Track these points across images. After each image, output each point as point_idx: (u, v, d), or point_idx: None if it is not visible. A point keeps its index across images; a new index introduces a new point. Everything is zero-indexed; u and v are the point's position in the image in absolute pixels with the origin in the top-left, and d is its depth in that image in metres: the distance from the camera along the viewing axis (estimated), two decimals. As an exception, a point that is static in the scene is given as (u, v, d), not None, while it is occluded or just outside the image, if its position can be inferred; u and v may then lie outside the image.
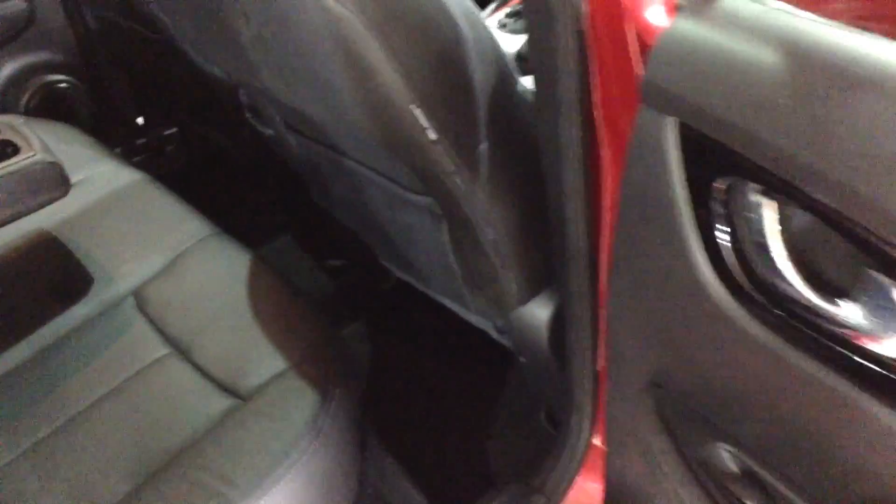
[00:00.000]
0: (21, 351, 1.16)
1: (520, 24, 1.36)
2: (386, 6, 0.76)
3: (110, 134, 1.97)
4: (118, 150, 1.95)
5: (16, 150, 1.16)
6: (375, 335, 1.58)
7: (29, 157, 1.14)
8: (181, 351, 1.12)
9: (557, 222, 0.89)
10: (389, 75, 0.78)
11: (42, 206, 1.16)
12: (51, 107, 1.87)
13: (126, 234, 1.33)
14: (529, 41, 0.79)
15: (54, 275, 1.27)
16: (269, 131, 1.38)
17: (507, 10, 1.39)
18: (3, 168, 1.12)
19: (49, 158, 1.16)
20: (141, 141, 2.03)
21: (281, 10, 0.80)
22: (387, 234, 1.23)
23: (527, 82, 0.92)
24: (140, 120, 2.02)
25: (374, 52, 0.77)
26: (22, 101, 1.83)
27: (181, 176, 1.99)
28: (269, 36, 0.85)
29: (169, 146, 2.04)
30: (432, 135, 0.84)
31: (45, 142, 1.21)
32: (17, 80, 1.81)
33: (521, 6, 1.41)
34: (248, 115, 1.50)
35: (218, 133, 1.80)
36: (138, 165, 1.61)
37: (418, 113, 0.82)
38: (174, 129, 2.04)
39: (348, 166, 1.13)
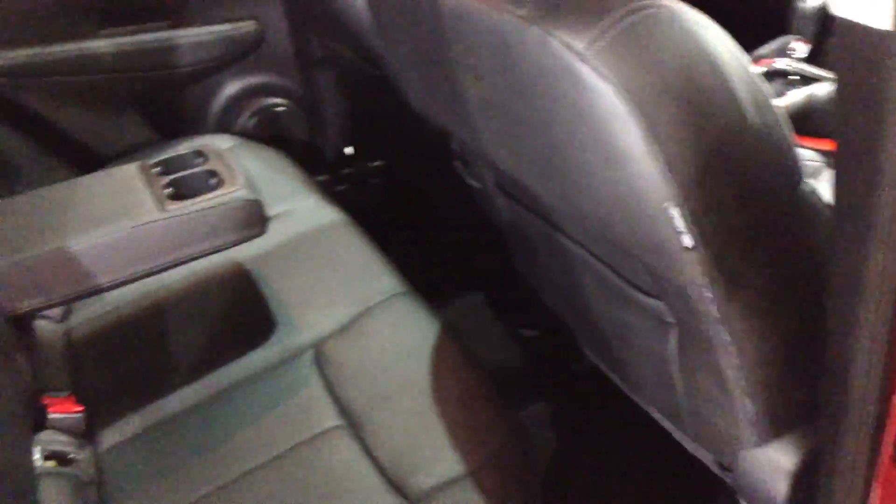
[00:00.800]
0: (196, 391, 1.11)
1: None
2: (655, 80, 0.60)
3: (318, 160, 1.96)
4: (323, 177, 1.94)
5: (220, 183, 1.12)
6: (560, 423, 1.40)
7: (231, 192, 1.09)
8: (353, 424, 1.01)
9: (837, 365, 0.68)
10: (646, 165, 0.62)
11: (238, 243, 1.11)
12: (265, 128, 1.88)
13: (316, 279, 1.26)
14: (840, 144, 0.59)
15: (240, 313, 1.22)
16: (477, 185, 1.26)
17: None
18: (204, 201, 1.08)
19: (251, 196, 1.10)
20: (347, 171, 2.00)
21: (520, 75, 0.66)
22: (595, 326, 1.06)
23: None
24: (349, 150, 1.99)
25: (632, 136, 0.61)
26: (238, 120, 1.85)
27: (381, 209, 1.94)
28: (500, 100, 0.71)
29: (373, 179, 2.00)
30: (688, 241, 0.66)
31: (250, 174, 1.16)
32: (238, 100, 1.83)
33: (774, 67, 1.20)
34: (456, 163, 1.39)
35: (423, 175, 1.72)
36: (340, 195, 1.56)
37: (675, 213, 0.64)
38: (380, 163, 1.99)
39: (563, 245, 0.98)
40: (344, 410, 1.04)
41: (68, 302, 1.18)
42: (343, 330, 1.16)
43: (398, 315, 1.18)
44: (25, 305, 1.01)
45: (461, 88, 0.78)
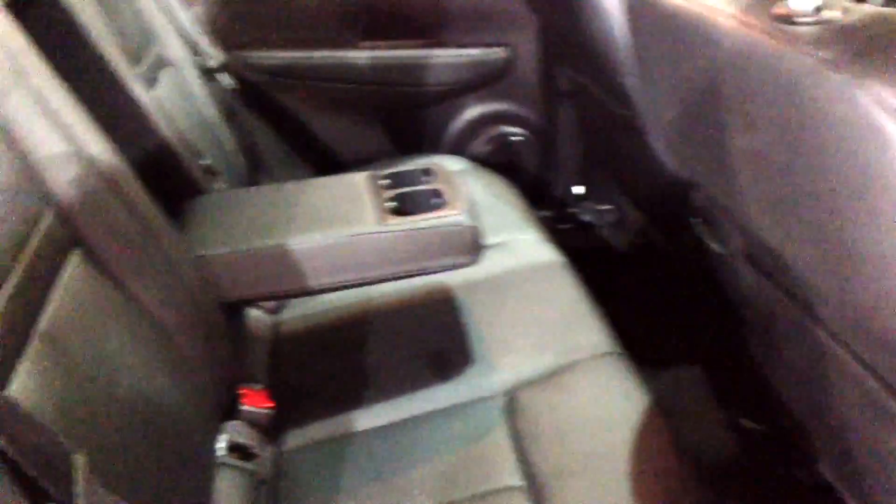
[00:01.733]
0: (383, 412, 1.08)
1: None
2: None
3: (546, 194, 1.90)
4: (548, 212, 1.87)
5: (442, 204, 1.08)
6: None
7: (451, 215, 1.05)
8: (534, 489, 0.91)
9: None
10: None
11: (450, 268, 1.06)
12: (498, 155, 1.86)
13: (521, 320, 1.18)
14: None
15: (438, 340, 1.17)
16: (718, 249, 1.12)
17: None
18: (424, 220, 1.04)
19: (470, 222, 1.05)
20: (573, 210, 1.91)
21: (809, 130, 0.53)
22: (843, 441, 0.88)
23: None
24: (579, 189, 1.91)
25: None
26: (473, 144, 1.83)
27: (602, 256, 1.83)
28: (775, 156, 0.59)
29: (600, 223, 1.89)
30: None
31: (474, 200, 1.12)
32: (476, 124, 1.82)
33: None
34: (695, 220, 1.26)
35: (654, 227, 1.59)
36: (564, 233, 1.48)
37: None
38: (609, 207, 1.88)
39: (819, 339, 0.81)
40: (527, 471, 0.94)
41: (279, 298, 1.20)
42: (541, 380, 1.07)
43: (605, 377, 1.06)
44: (239, 294, 1.03)
45: (726, 138, 0.66)
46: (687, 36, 0.70)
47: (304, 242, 1.01)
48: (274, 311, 1.30)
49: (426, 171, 1.16)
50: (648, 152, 1.26)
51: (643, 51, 0.90)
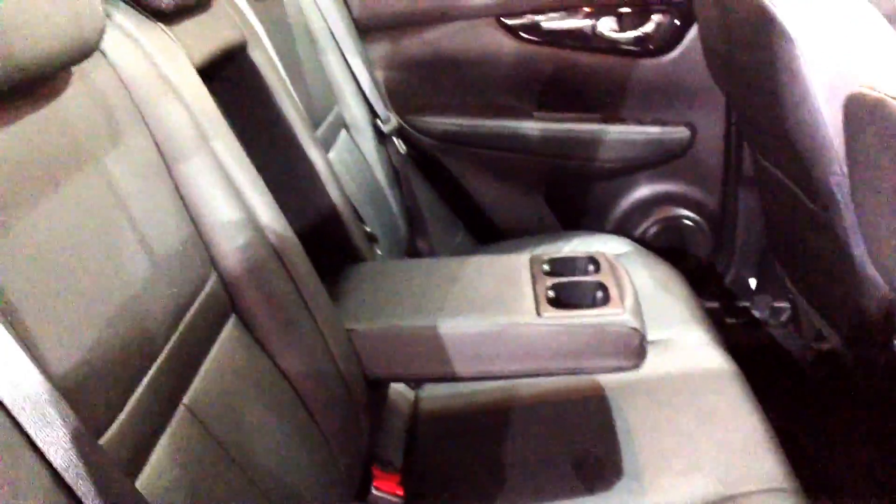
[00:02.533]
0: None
1: None
2: None
3: (713, 284, 1.76)
4: (714, 304, 1.73)
5: (606, 299, 1.00)
6: None
7: (615, 315, 0.96)
8: None
9: None
10: None
11: (606, 371, 0.98)
12: (665, 238, 1.75)
13: (681, 435, 1.07)
14: None
15: (585, 445, 1.08)
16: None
17: None
18: (584, 316, 0.97)
19: (634, 324, 0.96)
20: (745, 304, 1.76)
21: None
22: None
23: None
24: (752, 281, 1.76)
25: None
26: (640, 226, 1.74)
27: (772, 359, 1.67)
28: None
29: (773, 321, 1.73)
30: None
31: (639, 294, 1.03)
32: (646, 205, 1.73)
33: None
34: (897, 343, 1.10)
35: (844, 338, 1.41)
36: (731, 329, 1.35)
37: None
38: (785, 305, 1.71)
39: None
40: None
41: (423, 380, 1.16)
42: (701, 510, 0.95)
43: (774, 516, 0.93)
44: (385, 372, 1.00)
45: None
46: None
47: (455, 327, 0.97)
48: (415, 386, 1.26)
49: (591, 260, 1.09)
50: (847, 259, 1.12)
51: (860, 153, 0.79)
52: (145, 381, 0.64)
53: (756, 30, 1.08)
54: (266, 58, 1.09)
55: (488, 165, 1.69)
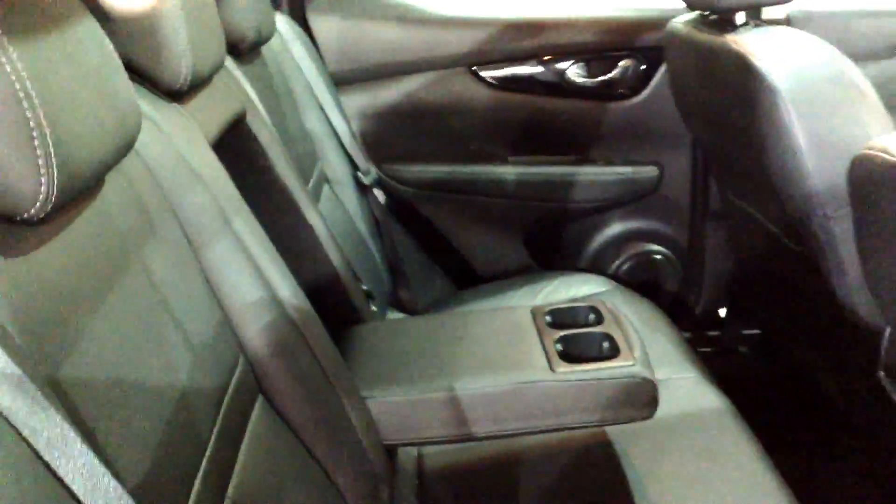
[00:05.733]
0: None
1: None
2: None
3: (685, 315, 1.81)
4: (688, 334, 1.78)
5: (614, 349, 1.03)
6: None
7: (628, 367, 0.99)
8: None
9: None
10: None
11: (621, 422, 0.99)
12: (638, 273, 1.79)
13: (689, 477, 1.09)
14: None
15: (594, 495, 1.09)
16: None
17: None
18: (598, 370, 0.98)
19: (646, 374, 0.98)
20: (714, 333, 1.82)
21: None
22: None
23: None
24: (722, 311, 1.82)
25: None
26: (614, 262, 1.78)
27: (755, 395, 1.72)
28: None
29: (744, 348, 1.79)
30: None
31: (644, 345, 1.05)
32: (618, 242, 1.77)
33: None
34: (881, 374, 1.15)
35: (818, 367, 1.47)
36: (704, 357, 1.39)
37: None
38: (756, 332, 1.78)
39: None
40: None
41: (440, 444, 1.16)
42: (716, 553, 0.98)
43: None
44: (400, 438, 0.99)
45: None
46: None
47: (470, 388, 0.97)
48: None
49: (593, 310, 1.11)
50: (829, 295, 1.17)
51: (866, 202, 0.84)
52: (199, 475, 0.63)
53: (738, 80, 1.13)
54: (262, 123, 1.08)
55: (466, 211, 1.71)
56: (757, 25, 1.23)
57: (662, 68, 1.60)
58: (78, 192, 0.54)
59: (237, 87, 1.04)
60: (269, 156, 1.05)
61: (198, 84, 0.87)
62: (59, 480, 0.43)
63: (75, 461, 0.44)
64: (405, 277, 1.59)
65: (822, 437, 1.47)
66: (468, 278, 1.73)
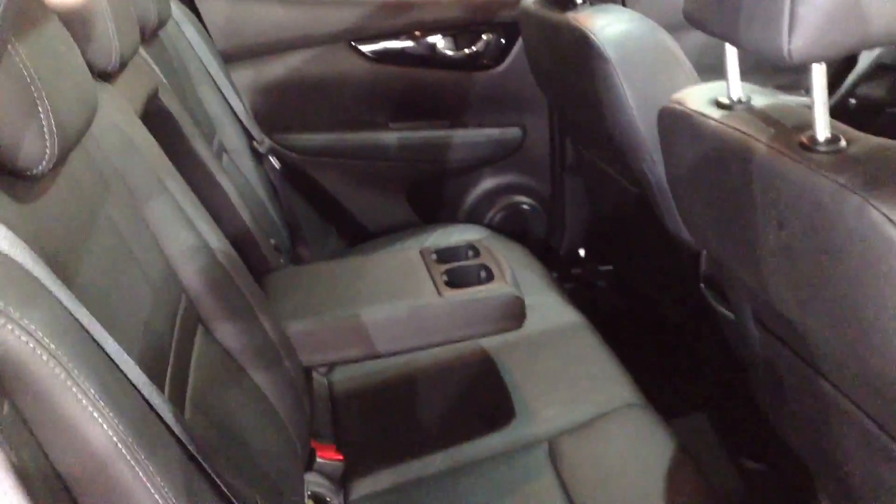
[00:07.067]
0: (440, 460, 1.21)
1: None
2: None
3: (552, 257, 2.07)
4: (555, 273, 2.04)
5: (490, 277, 1.24)
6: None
7: (502, 289, 1.21)
8: (586, 527, 1.06)
9: None
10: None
11: (498, 332, 1.22)
12: (510, 222, 2.03)
13: (555, 377, 1.33)
14: None
15: (482, 396, 1.32)
16: (726, 313, 1.29)
17: None
18: (478, 292, 1.20)
19: (517, 293, 1.21)
20: (576, 270, 2.09)
21: (831, 234, 0.71)
22: (844, 476, 1.04)
23: None
24: (581, 251, 2.09)
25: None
26: (488, 213, 2.01)
27: (608, 312, 2.00)
28: (801, 250, 0.76)
29: (601, 282, 2.07)
30: None
31: (514, 272, 1.28)
32: (491, 195, 2.00)
33: None
34: (703, 286, 1.43)
35: (656, 288, 1.76)
36: (569, 293, 1.64)
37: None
38: (610, 268, 2.06)
39: (824, 390, 0.98)
40: (575, 509, 1.08)
41: (350, 362, 1.34)
42: (579, 429, 1.22)
43: (633, 424, 1.21)
44: (318, 359, 1.18)
45: (756, 236, 0.84)
46: (721, 149, 0.88)
47: (374, 314, 1.17)
48: (326, 373, 1.43)
49: (471, 248, 1.33)
50: (661, 227, 1.43)
51: (671, 147, 1.08)
52: (166, 386, 0.79)
53: (577, 51, 1.36)
54: (172, 99, 1.22)
55: (353, 174, 1.89)
56: (593, 4, 1.46)
57: (519, 41, 1.83)
58: (67, 152, 0.69)
59: (149, 68, 1.17)
60: (182, 128, 1.19)
61: (122, 66, 1.00)
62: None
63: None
64: (303, 237, 1.75)
65: (659, 342, 1.76)
66: (360, 235, 1.91)
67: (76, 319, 0.59)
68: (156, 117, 1.14)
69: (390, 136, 1.87)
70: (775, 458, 1.43)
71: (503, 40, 1.84)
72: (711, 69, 1.16)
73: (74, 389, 0.52)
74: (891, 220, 0.64)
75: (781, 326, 1.05)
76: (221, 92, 1.59)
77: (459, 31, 1.83)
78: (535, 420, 1.25)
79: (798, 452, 1.20)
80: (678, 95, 1.03)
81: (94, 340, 0.59)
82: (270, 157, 1.68)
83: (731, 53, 0.91)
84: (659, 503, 1.07)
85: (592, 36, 1.29)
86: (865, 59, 1.93)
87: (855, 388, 0.91)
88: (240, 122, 1.62)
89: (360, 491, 1.19)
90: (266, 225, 1.50)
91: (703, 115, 0.94)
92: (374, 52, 1.81)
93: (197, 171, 1.19)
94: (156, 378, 0.76)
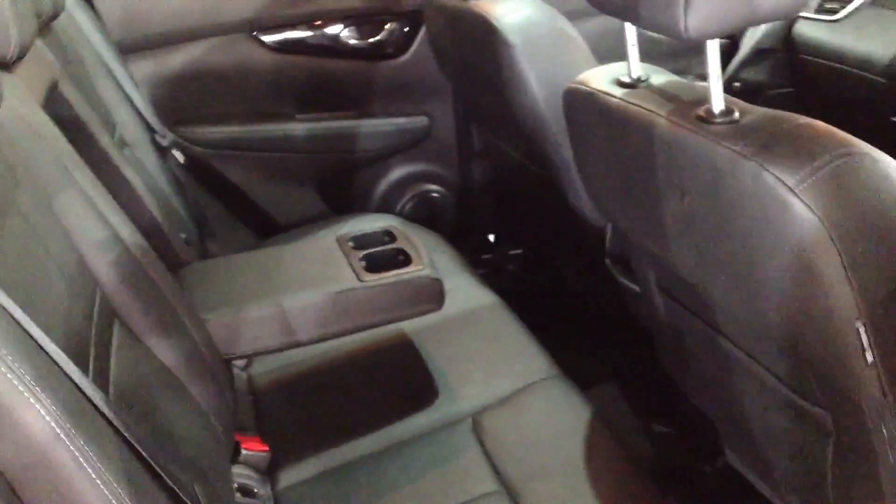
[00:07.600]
0: (366, 444, 1.22)
1: None
2: (856, 216, 0.69)
3: (463, 244, 2.11)
4: (466, 258, 2.08)
5: (407, 261, 1.26)
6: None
7: (418, 271, 1.23)
8: (510, 492, 1.10)
9: None
10: (840, 288, 0.71)
11: (418, 315, 1.24)
12: (420, 210, 2.06)
13: (474, 355, 1.37)
14: None
15: (405, 378, 1.34)
16: (631, 286, 1.35)
17: None
18: (397, 276, 1.22)
19: (435, 275, 1.23)
20: (487, 256, 2.13)
21: (729, 199, 0.76)
22: (745, 427, 1.12)
23: None
24: (491, 237, 2.13)
25: (831, 262, 0.70)
26: (398, 203, 2.03)
27: (518, 294, 2.05)
28: (702, 216, 0.82)
29: (511, 265, 2.12)
30: (870, 357, 0.74)
31: (431, 256, 1.30)
32: (401, 184, 2.02)
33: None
34: (608, 261, 1.49)
35: (564, 266, 1.83)
36: (482, 277, 1.69)
37: (862, 331, 0.72)
38: (520, 251, 2.12)
39: (724, 348, 1.05)
40: (501, 479, 1.12)
41: (272, 352, 1.33)
42: (500, 403, 1.26)
43: (552, 395, 1.27)
44: (238, 351, 1.17)
45: (659, 204, 0.89)
46: (625, 125, 0.93)
47: (294, 302, 1.17)
48: (245, 367, 1.42)
49: (387, 233, 1.34)
50: (567, 206, 1.49)
51: (576, 126, 1.13)
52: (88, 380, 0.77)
53: (481, 38, 1.39)
54: (72, 90, 1.17)
55: (261, 166, 1.86)
56: (495, -9, 1.50)
57: (423, 30, 1.85)
58: None
59: (47, 58, 1.13)
60: (84, 119, 1.15)
61: (21, 56, 0.96)
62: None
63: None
64: (212, 232, 1.72)
65: (571, 317, 1.83)
66: (271, 228, 1.89)
67: (2, 306, 0.57)
68: (57, 109, 1.09)
69: (297, 128, 1.85)
70: (684, 419, 1.52)
71: (407, 29, 1.85)
72: (607, 55, 1.22)
73: (10, 375, 0.51)
74: (784, 183, 0.70)
75: (684, 292, 1.12)
76: (120, 84, 1.54)
77: (362, 21, 1.83)
78: (458, 397, 1.29)
79: (704, 411, 1.28)
80: (581, 77, 1.08)
81: (23, 328, 0.58)
82: (174, 152, 1.64)
83: (631, 33, 0.96)
84: (578, 468, 1.12)
85: (496, 23, 1.33)
86: (747, 45, 2.06)
87: (752, 344, 0.98)
88: (140, 115, 1.57)
89: (288, 480, 1.19)
90: (174, 220, 1.47)
91: (607, 94, 0.99)
92: (276, 43, 1.79)
93: (101, 164, 1.16)
94: (80, 369, 0.74)
